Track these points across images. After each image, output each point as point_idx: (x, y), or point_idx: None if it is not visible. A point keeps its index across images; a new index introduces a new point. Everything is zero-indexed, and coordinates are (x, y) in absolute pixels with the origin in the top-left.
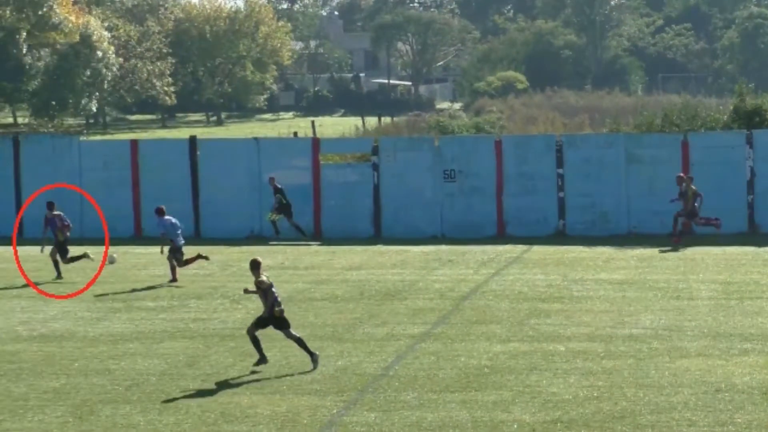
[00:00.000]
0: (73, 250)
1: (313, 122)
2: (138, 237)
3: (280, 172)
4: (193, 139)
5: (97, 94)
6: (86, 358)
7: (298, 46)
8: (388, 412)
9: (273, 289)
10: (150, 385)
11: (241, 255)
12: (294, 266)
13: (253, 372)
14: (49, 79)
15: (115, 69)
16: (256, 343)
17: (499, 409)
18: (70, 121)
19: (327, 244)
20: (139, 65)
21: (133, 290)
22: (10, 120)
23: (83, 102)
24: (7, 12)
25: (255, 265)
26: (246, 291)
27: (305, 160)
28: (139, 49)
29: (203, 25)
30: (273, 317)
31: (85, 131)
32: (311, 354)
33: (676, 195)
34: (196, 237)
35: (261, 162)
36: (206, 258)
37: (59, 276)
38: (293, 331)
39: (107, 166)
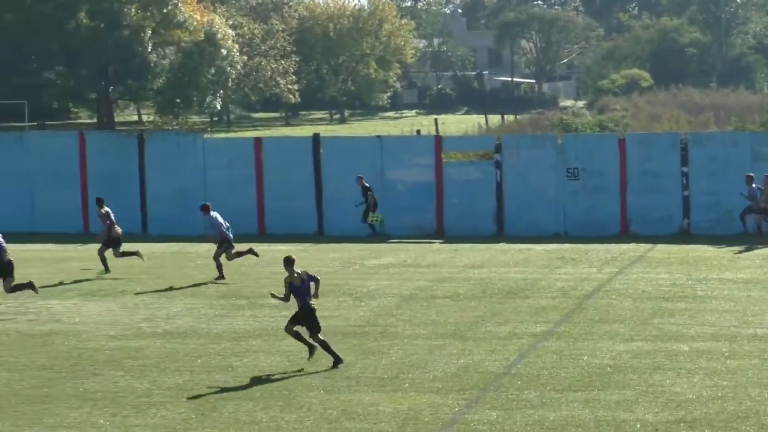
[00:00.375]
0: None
1: (436, 120)
2: (261, 234)
3: (402, 170)
4: (316, 137)
5: (222, 92)
6: (209, 355)
7: (422, 44)
8: (509, 410)
9: (312, 282)
10: (272, 381)
11: (363, 253)
12: (416, 264)
13: (374, 369)
14: (174, 77)
15: (239, 67)
16: (299, 337)
17: (622, 409)
18: (195, 118)
19: (449, 242)
20: (263, 63)
21: (256, 287)
22: (135, 118)
23: (207, 100)
24: (132, 10)
25: (289, 262)
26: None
27: (428, 158)
28: (263, 47)
29: (327, 23)
30: (308, 309)
31: (209, 129)
32: (335, 359)
33: (746, 191)
34: (319, 234)
35: (384, 160)
36: (256, 254)
37: (107, 270)
38: (320, 335)
39: (231, 164)
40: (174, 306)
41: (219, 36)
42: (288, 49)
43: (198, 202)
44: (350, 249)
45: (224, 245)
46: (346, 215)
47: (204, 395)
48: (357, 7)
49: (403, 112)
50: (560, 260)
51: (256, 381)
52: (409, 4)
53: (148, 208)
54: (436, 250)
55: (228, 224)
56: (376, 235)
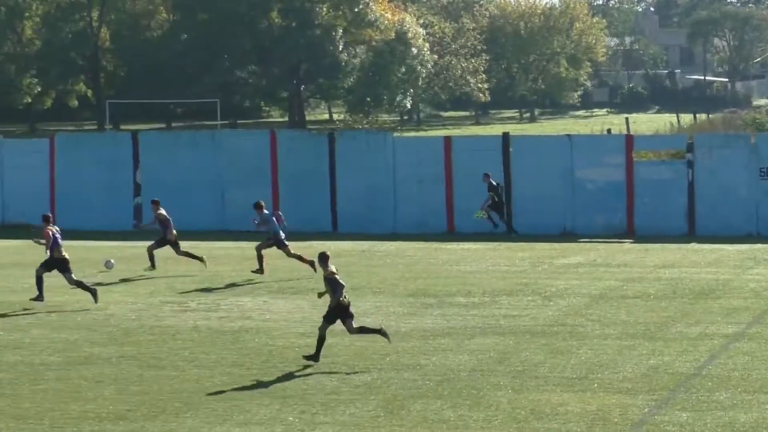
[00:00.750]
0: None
1: (627, 119)
2: (450, 232)
3: (592, 170)
4: (506, 136)
5: (412, 90)
6: (397, 353)
7: (613, 42)
8: (700, 411)
9: (341, 282)
10: (460, 380)
11: (553, 252)
12: (606, 263)
13: (562, 369)
14: (365, 75)
15: (429, 66)
16: (321, 342)
17: None
18: (385, 117)
19: (640, 242)
20: (453, 62)
21: (444, 286)
22: (326, 116)
23: (398, 98)
24: (324, 9)
25: (324, 258)
26: (320, 295)
27: (618, 158)
28: (453, 46)
29: (518, 22)
30: (339, 308)
31: (399, 127)
32: (379, 331)
33: None
34: (508, 233)
35: (574, 159)
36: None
37: (153, 267)
38: (354, 323)
39: (421, 163)
40: (363, 304)
41: (410, 35)
42: (478, 47)
43: (388, 201)
44: (539, 248)
45: (271, 241)
46: (535, 214)
47: (392, 393)
48: (548, 6)
49: (593, 110)
50: (752, 261)
51: (444, 379)
52: (600, 2)
53: (338, 206)
54: (626, 250)
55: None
56: (496, 227)
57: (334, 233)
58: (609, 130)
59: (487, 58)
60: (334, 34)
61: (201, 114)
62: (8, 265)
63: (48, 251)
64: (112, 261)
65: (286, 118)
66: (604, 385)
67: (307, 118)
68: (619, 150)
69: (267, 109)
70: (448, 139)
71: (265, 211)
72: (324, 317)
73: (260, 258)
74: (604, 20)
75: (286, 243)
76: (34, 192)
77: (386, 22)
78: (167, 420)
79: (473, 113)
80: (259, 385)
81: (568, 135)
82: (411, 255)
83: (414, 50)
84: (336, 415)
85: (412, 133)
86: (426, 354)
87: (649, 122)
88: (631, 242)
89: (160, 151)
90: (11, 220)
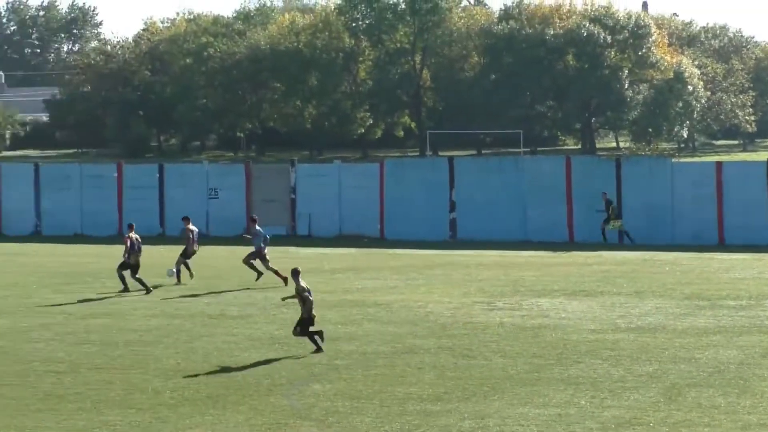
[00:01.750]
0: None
1: None
2: (721, 245)
3: None
4: None
5: (688, 122)
6: (675, 348)
7: None
8: None
9: (310, 297)
10: (730, 372)
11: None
12: None
13: None
14: (647, 109)
15: (703, 101)
16: (310, 336)
17: None
18: (664, 145)
19: None
20: (724, 98)
21: (716, 290)
22: (613, 144)
23: (675, 129)
24: (612, 53)
25: (296, 273)
26: (284, 299)
27: None
28: (724, 84)
29: None
30: (310, 318)
31: (676, 154)
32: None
33: None
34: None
35: None
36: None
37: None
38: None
39: (695, 184)
40: (645, 305)
41: (686, 74)
42: (746, 85)
43: (665, 218)
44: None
45: (255, 254)
46: None
47: (671, 382)
48: None
49: None
50: None
51: (716, 371)
52: None
53: (623, 221)
54: None
55: (268, 237)
56: (606, 242)
57: (620, 245)
58: None
59: (754, 94)
60: (620, 74)
61: (506, 142)
62: (344, 269)
63: (126, 256)
64: (174, 269)
65: (579, 146)
66: None
67: (597, 145)
68: None
69: (562, 138)
70: (719, 164)
71: (257, 227)
72: (298, 324)
73: (251, 266)
74: None
75: (267, 257)
76: (367, 208)
77: (666, 63)
78: (477, 402)
79: (741, 142)
80: (556, 373)
81: None
82: (686, 263)
83: (690, 88)
84: (622, 400)
85: (688, 159)
86: (700, 349)
87: None
88: None
89: (472, 174)
90: (347, 231)
